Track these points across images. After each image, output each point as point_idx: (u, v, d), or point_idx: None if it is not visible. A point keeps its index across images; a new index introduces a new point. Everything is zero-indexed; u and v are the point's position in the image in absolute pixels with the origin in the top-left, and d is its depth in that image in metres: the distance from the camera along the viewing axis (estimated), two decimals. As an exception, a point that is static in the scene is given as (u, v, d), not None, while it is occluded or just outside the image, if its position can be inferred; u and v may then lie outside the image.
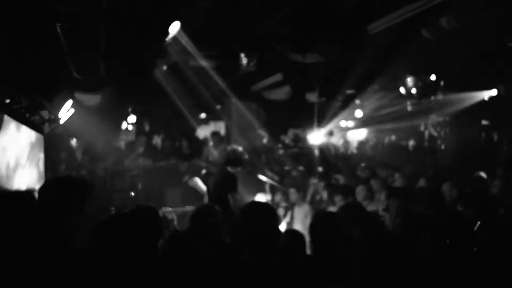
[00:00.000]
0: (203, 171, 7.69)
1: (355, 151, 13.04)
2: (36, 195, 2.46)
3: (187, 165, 8.37)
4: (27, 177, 5.56)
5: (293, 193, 6.57)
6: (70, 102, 6.55)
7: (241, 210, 2.71)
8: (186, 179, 7.78)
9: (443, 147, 12.84)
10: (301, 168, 8.98)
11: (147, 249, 2.54)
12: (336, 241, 2.78)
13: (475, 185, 6.04)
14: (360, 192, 5.87)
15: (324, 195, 6.45)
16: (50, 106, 6.20)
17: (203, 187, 7.06)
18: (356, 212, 3.37)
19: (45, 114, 6.17)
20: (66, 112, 6.68)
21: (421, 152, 11.89)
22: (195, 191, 7.35)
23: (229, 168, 5.45)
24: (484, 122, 12.67)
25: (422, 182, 6.04)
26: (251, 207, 2.69)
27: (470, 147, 11.46)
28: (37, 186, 5.76)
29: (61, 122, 6.86)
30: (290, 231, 3.67)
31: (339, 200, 5.50)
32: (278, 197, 7.39)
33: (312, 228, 2.90)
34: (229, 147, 5.80)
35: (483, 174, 6.50)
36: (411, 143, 12.65)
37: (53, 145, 7.12)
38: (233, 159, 5.47)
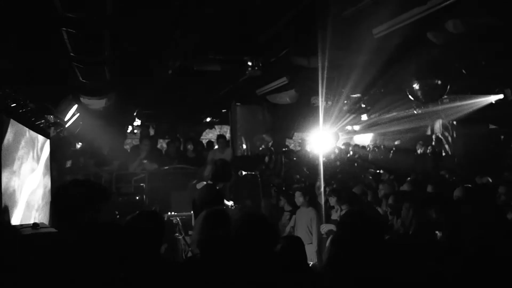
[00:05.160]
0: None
1: (360, 154, 12.95)
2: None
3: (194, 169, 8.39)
4: (34, 182, 5.58)
5: (298, 197, 6.52)
6: (75, 106, 6.59)
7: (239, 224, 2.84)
8: (194, 182, 7.76)
9: (450, 151, 12.74)
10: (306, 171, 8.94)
11: (148, 254, 2.53)
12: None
13: (482, 191, 5.97)
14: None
15: (332, 200, 6.38)
16: (56, 110, 6.24)
17: None
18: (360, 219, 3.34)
19: (50, 118, 6.21)
20: (71, 116, 6.72)
21: (428, 157, 11.80)
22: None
23: (215, 183, 5.09)
24: (491, 126, 12.57)
25: (429, 188, 6.01)
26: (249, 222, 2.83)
27: (477, 151, 11.37)
28: (41, 191, 5.81)
29: (67, 126, 6.89)
30: (289, 237, 3.67)
31: (345, 208, 5.48)
32: (282, 202, 7.38)
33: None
34: (218, 160, 5.48)
35: (489, 179, 6.46)
36: (419, 148, 12.52)
37: (58, 149, 7.15)
38: (221, 174, 5.15)
